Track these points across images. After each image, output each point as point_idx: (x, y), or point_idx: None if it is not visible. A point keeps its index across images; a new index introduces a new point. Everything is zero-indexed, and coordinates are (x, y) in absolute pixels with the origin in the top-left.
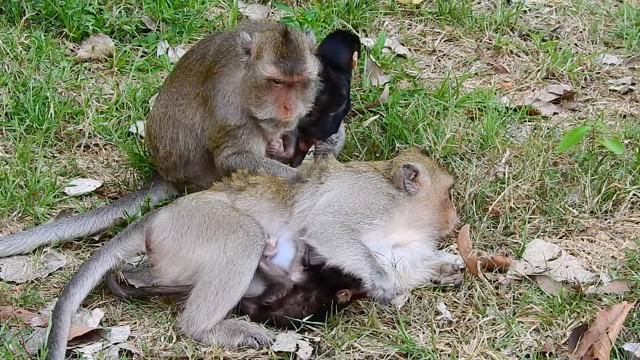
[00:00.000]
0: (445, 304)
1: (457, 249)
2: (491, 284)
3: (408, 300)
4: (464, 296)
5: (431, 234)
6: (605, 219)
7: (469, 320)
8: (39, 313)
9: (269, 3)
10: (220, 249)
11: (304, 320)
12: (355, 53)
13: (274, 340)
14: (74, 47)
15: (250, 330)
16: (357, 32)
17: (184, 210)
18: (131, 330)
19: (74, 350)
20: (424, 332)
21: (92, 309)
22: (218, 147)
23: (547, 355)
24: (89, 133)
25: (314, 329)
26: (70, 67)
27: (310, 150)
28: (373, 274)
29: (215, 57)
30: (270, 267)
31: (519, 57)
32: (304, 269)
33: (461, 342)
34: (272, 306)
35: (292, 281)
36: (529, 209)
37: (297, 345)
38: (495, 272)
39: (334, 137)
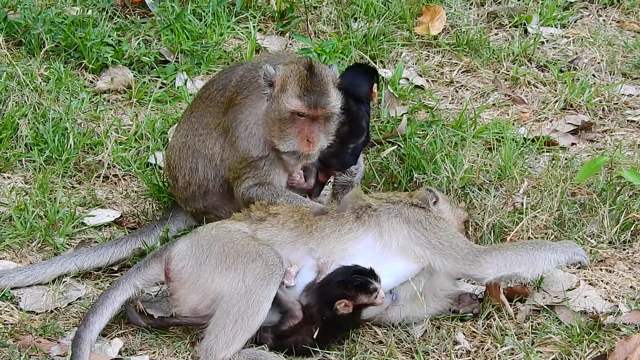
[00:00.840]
0: (464, 334)
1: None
2: (512, 310)
3: (426, 330)
4: (482, 326)
5: None
6: (624, 249)
7: (487, 350)
8: (58, 342)
9: (287, 34)
10: (239, 277)
11: (314, 335)
12: (375, 85)
13: None
14: (93, 79)
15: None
16: (375, 63)
17: (204, 239)
18: None
19: None
20: None
21: (112, 339)
22: (239, 177)
23: None
24: (108, 164)
25: (332, 358)
26: (90, 99)
27: (328, 181)
28: None
29: (237, 88)
30: (286, 294)
31: (537, 87)
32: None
33: None
34: (287, 333)
35: (301, 305)
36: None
37: None
38: (514, 302)
39: (353, 169)
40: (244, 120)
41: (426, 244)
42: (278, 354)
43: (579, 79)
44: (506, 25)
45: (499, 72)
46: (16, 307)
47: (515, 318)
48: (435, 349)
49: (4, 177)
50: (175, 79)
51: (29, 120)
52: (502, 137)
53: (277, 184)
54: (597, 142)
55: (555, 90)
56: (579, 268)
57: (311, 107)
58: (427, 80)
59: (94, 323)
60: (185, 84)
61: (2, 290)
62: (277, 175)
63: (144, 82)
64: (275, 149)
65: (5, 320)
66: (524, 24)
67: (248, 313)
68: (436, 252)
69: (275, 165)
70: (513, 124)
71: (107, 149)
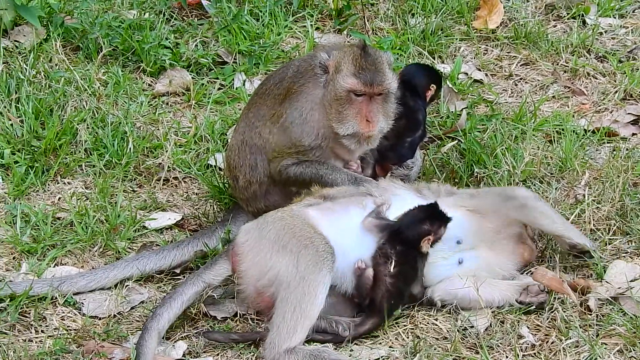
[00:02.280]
0: (528, 327)
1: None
2: (577, 304)
3: (490, 325)
4: (547, 319)
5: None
6: None
7: (552, 343)
8: (121, 346)
9: (345, 32)
10: (293, 263)
11: (391, 269)
12: (433, 85)
13: None
14: (152, 82)
15: (332, 357)
16: (434, 58)
17: (270, 218)
18: None
19: None
20: (507, 356)
21: (175, 342)
22: (281, 156)
23: None
24: (168, 166)
25: (397, 355)
26: (148, 102)
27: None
28: None
29: (294, 78)
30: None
31: (596, 79)
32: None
33: None
34: (365, 300)
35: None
36: (609, 231)
37: None
38: (578, 295)
39: (410, 162)
40: (300, 107)
41: None
42: (341, 352)
43: (638, 69)
44: (564, 17)
45: (557, 64)
46: (79, 313)
47: (581, 307)
48: (500, 343)
49: (65, 183)
50: (233, 79)
51: (87, 125)
52: (563, 129)
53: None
54: None
55: (615, 81)
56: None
57: (367, 84)
58: (486, 74)
59: (161, 314)
60: (244, 84)
61: (65, 296)
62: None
63: (203, 84)
64: (335, 135)
65: (68, 326)
66: (582, 15)
67: (305, 300)
68: None
69: (327, 156)
70: (573, 116)
71: (166, 151)
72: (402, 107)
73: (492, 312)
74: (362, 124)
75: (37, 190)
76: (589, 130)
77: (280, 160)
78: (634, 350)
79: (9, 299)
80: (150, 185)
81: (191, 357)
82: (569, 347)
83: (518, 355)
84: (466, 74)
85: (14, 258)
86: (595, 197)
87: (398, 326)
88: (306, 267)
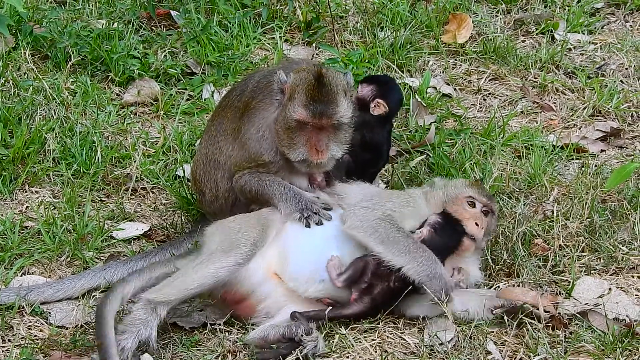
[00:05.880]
0: (495, 343)
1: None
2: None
3: (458, 339)
4: (513, 335)
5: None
6: None
7: (520, 359)
8: (88, 357)
9: (314, 45)
10: (218, 241)
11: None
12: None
13: None
14: (120, 92)
15: None
16: (402, 72)
17: (239, 216)
18: None
19: None
20: None
21: (142, 354)
22: (240, 169)
23: None
24: (136, 177)
25: None
26: (117, 112)
27: None
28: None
29: (253, 93)
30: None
31: (565, 94)
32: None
33: None
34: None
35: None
36: (578, 247)
37: None
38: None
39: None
40: (257, 122)
41: None
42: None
43: (607, 85)
44: (533, 32)
45: (526, 80)
46: (46, 322)
47: (550, 323)
48: (468, 359)
49: (32, 192)
50: (202, 90)
51: (56, 134)
52: (531, 145)
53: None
54: (627, 148)
55: (584, 97)
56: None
57: (316, 117)
58: (455, 89)
59: (130, 281)
60: (212, 95)
61: (32, 305)
62: (291, 178)
63: (171, 95)
64: (285, 157)
65: (35, 336)
66: (551, 31)
67: (197, 270)
68: None
69: (287, 169)
70: (542, 132)
71: (134, 162)
72: (364, 134)
73: (459, 326)
74: (312, 152)
75: (5, 199)
76: (558, 146)
77: (239, 173)
78: None
79: None
80: (118, 195)
81: None
82: None
83: None
84: (435, 88)
85: None
86: (564, 213)
87: (365, 340)
88: (221, 246)
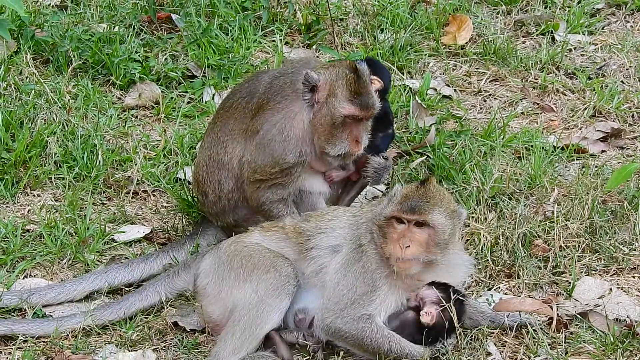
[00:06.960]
0: (495, 345)
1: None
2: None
3: (458, 341)
4: (513, 336)
5: None
6: None
7: None
8: (90, 358)
9: (314, 47)
10: (252, 288)
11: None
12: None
13: None
14: (121, 95)
15: None
16: (402, 74)
17: (224, 255)
18: None
19: None
20: None
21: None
22: (264, 181)
23: None
24: (137, 180)
25: None
26: (118, 115)
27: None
28: None
29: (267, 94)
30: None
31: (565, 95)
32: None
33: None
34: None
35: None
36: (578, 248)
37: None
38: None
39: (382, 162)
40: (278, 123)
41: None
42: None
43: (607, 86)
44: (533, 33)
45: (527, 81)
46: None
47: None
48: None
49: (34, 195)
50: (203, 93)
51: (57, 137)
52: (532, 146)
53: (308, 188)
54: (627, 148)
55: (584, 98)
56: None
57: (363, 110)
58: (455, 90)
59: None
60: (213, 98)
61: (34, 308)
62: (309, 179)
63: (172, 98)
64: (322, 153)
65: (37, 338)
66: (551, 32)
67: (257, 322)
68: None
69: (306, 171)
70: (542, 132)
71: (136, 165)
72: None
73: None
74: (353, 145)
75: (7, 202)
76: (558, 147)
77: (264, 190)
78: None
79: None
80: (119, 198)
81: None
82: None
83: None
84: (435, 89)
85: None
86: (564, 214)
87: None
88: (266, 292)
